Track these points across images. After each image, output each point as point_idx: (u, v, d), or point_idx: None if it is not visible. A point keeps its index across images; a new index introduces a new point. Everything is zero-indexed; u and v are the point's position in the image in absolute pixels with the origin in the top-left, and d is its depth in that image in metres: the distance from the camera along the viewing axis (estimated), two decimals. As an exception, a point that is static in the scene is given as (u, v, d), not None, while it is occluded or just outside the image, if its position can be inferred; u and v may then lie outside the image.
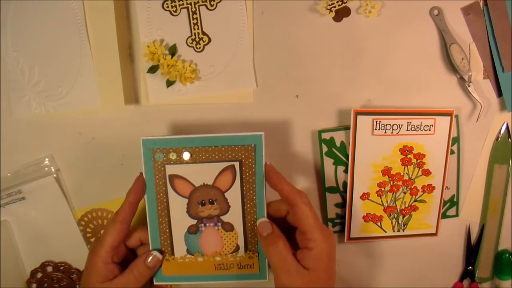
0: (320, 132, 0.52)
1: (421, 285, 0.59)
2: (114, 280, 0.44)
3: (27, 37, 0.50)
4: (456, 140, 0.54)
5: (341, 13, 0.50)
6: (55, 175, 0.53)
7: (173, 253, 0.47)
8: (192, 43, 0.51)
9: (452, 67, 0.51)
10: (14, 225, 0.54)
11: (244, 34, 0.51)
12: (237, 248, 0.47)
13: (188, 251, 0.47)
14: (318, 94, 0.52)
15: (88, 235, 0.55)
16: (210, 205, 0.45)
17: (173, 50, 0.50)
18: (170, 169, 0.44)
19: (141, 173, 0.46)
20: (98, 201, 0.54)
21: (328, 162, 0.53)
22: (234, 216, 0.46)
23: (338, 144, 0.53)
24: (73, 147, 0.53)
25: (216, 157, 0.44)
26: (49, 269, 0.56)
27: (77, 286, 0.56)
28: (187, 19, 0.50)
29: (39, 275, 0.55)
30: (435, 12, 0.50)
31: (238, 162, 0.44)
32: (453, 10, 0.51)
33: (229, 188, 0.45)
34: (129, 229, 0.46)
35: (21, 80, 0.51)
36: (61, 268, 0.55)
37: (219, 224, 0.46)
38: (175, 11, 0.50)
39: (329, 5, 0.49)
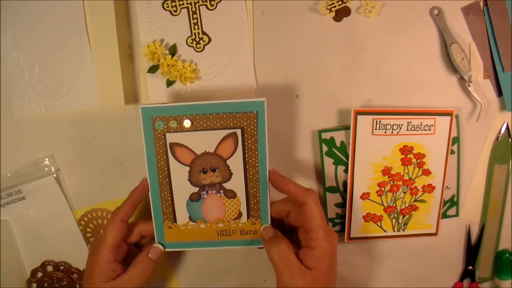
0: (320, 132, 0.52)
1: (421, 285, 0.59)
2: (118, 279, 0.44)
3: (27, 37, 0.50)
4: (456, 140, 0.54)
5: (341, 13, 0.50)
6: (55, 175, 0.53)
7: (175, 221, 0.47)
8: (192, 43, 0.51)
9: (452, 67, 0.51)
10: (14, 225, 0.54)
11: (244, 34, 0.51)
12: (240, 215, 0.47)
13: (191, 218, 0.47)
14: (318, 94, 0.52)
15: (88, 235, 0.55)
16: (212, 173, 0.45)
17: (173, 50, 0.50)
18: (171, 137, 0.44)
19: (145, 177, 0.46)
20: (98, 201, 0.54)
21: (328, 162, 0.53)
22: (237, 183, 0.46)
23: (338, 144, 0.53)
24: (73, 147, 0.53)
25: (218, 124, 0.44)
26: (49, 268, 0.56)
27: (77, 286, 0.56)
28: (187, 19, 0.50)
29: (40, 274, 0.56)
30: (435, 12, 0.50)
31: (240, 130, 0.44)
32: (453, 10, 0.51)
33: (231, 156, 0.45)
34: (128, 228, 0.46)
35: (21, 80, 0.51)
36: (61, 268, 0.55)
37: (221, 191, 0.46)
38: (175, 11, 0.50)
39: (329, 5, 0.49)
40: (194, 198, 0.46)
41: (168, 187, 0.46)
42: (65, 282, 0.56)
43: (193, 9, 0.50)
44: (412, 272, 0.58)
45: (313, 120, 0.53)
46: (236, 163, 0.45)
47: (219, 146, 0.45)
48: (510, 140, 0.54)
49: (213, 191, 0.46)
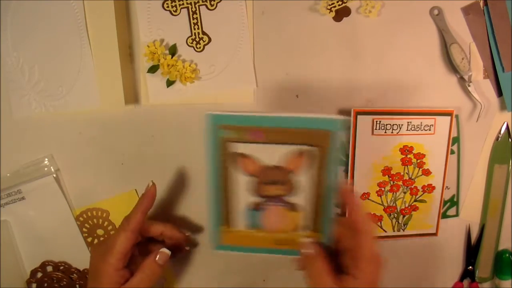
0: (320, 132, 0.52)
1: (421, 285, 0.59)
2: (126, 284, 0.44)
3: (27, 37, 0.50)
4: (456, 140, 0.54)
5: (341, 13, 0.50)
6: (54, 175, 0.53)
7: (232, 226, 0.46)
8: (192, 43, 0.51)
9: (452, 67, 0.51)
10: (14, 225, 0.54)
11: (244, 34, 0.51)
12: (299, 229, 0.46)
13: (250, 226, 0.46)
14: (318, 94, 0.52)
15: (85, 234, 0.55)
16: (275, 185, 0.45)
17: (173, 50, 0.50)
18: (236, 147, 0.43)
19: (153, 183, 0.47)
20: (97, 201, 0.54)
21: (328, 162, 0.53)
22: (300, 198, 0.45)
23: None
24: (73, 147, 0.53)
25: (288, 139, 0.42)
26: (49, 268, 0.56)
27: (77, 286, 0.56)
28: (187, 19, 0.50)
29: (39, 275, 0.55)
30: (435, 12, 0.50)
31: (311, 147, 0.42)
32: (453, 10, 0.51)
33: (298, 170, 0.44)
34: (138, 238, 0.47)
35: (21, 80, 0.51)
36: (61, 268, 0.55)
37: (284, 204, 0.45)
38: (175, 11, 0.50)
39: (329, 5, 0.49)
40: (255, 208, 0.46)
41: (229, 194, 0.45)
42: (65, 282, 0.56)
43: (193, 9, 0.50)
44: (412, 272, 0.58)
45: (313, 120, 0.53)
46: (302, 178, 0.44)
47: (287, 160, 0.43)
48: (510, 140, 0.54)
49: (275, 203, 0.45)
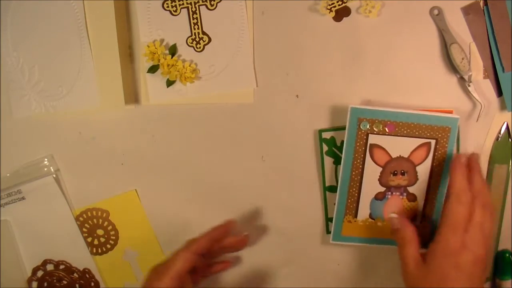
0: (320, 131, 0.52)
1: (421, 285, 0.59)
2: None
3: (27, 37, 0.50)
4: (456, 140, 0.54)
5: (341, 13, 0.50)
6: (54, 175, 0.53)
7: (356, 216, 0.50)
8: (192, 43, 0.51)
9: (452, 67, 0.51)
10: (14, 225, 0.54)
11: (244, 34, 0.51)
12: (414, 218, 0.50)
13: (371, 216, 0.50)
14: (318, 94, 0.52)
15: (85, 234, 0.55)
16: (401, 176, 0.49)
17: (173, 50, 0.50)
18: (372, 139, 0.47)
19: (232, 220, 0.49)
20: (97, 201, 0.54)
21: (328, 162, 0.53)
22: (419, 188, 0.49)
23: (338, 144, 0.53)
24: (73, 147, 0.53)
25: (416, 133, 0.47)
26: (50, 267, 0.56)
27: (77, 285, 0.56)
28: (187, 19, 0.50)
29: (40, 273, 0.56)
30: (435, 12, 0.50)
31: (434, 140, 0.47)
32: (453, 10, 0.51)
33: (421, 163, 0.48)
34: (198, 261, 0.46)
35: (21, 80, 0.51)
36: (61, 267, 0.55)
37: (404, 194, 0.49)
38: (175, 11, 0.50)
39: (329, 5, 0.49)
40: (379, 197, 0.49)
41: (358, 184, 0.49)
42: (65, 282, 0.56)
43: (193, 9, 0.50)
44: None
45: (313, 120, 0.53)
46: (424, 170, 0.48)
47: (413, 153, 0.48)
48: (510, 140, 0.54)
49: (397, 193, 0.49)
